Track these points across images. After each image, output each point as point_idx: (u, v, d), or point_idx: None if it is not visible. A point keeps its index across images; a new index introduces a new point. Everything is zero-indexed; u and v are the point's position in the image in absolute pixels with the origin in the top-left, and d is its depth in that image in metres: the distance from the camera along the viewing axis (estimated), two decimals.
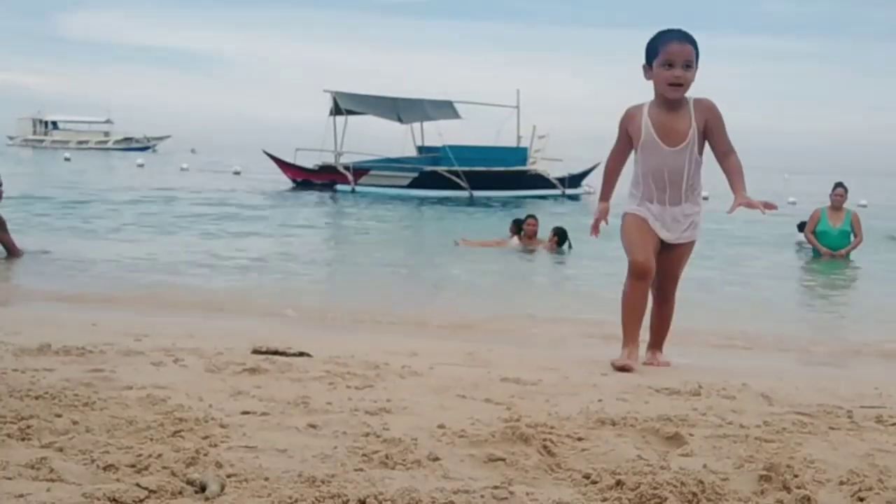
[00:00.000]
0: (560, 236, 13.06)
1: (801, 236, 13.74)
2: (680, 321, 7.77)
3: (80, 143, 74.61)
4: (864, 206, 26.70)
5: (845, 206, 12.36)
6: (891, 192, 49.62)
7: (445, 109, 31.76)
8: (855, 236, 12.23)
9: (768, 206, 4.81)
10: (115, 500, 2.46)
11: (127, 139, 77.01)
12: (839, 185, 12.30)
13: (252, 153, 49.61)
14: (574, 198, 29.82)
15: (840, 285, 10.74)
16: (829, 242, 12.13)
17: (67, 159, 45.08)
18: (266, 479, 2.70)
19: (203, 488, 2.58)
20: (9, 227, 9.82)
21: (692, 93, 5.01)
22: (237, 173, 37.09)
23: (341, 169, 29.76)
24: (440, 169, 29.20)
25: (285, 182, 31.06)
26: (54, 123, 79.68)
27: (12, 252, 9.53)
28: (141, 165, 42.55)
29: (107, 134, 78.78)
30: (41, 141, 75.28)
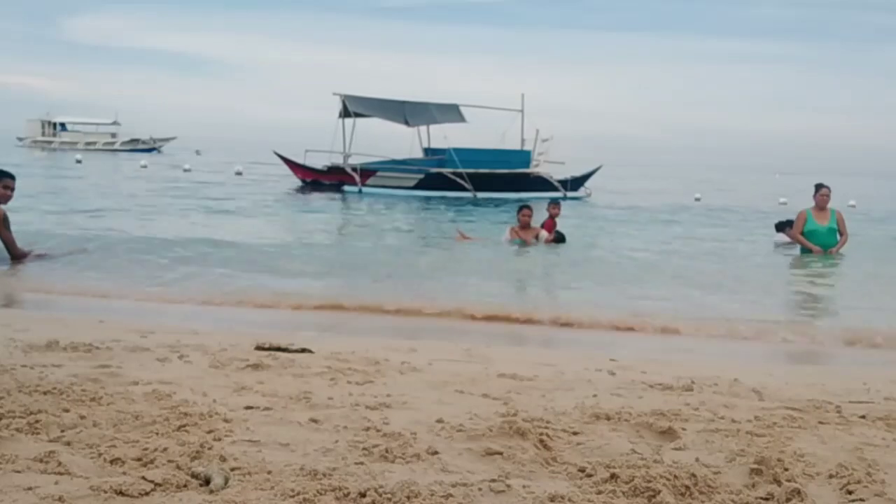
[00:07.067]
0: (559, 239, 13.29)
1: (779, 237, 13.86)
2: (675, 316, 7.88)
3: (88, 144, 74.55)
4: (853, 206, 26.66)
5: (829, 205, 12.48)
6: (888, 192, 49.43)
7: (451, 113, 31.82)
8: (841, 234, 12.38)
9: None
10: (121, 492, 2.51)
11: (133, 140, 76.90)
12: (823, 185, 12.45)
13: (255, 154, 49.59)
14: (576, 199, 29.84)
15: (832, 282, 10.80)
16: (818, 241, 12.28)
17: (79, 161, 45.33)
18: (269, 472, 2.75)
19: (207, 481, 2.64)
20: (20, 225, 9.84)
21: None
22: (238, 173, 37.17)
23: (349, 170, 29.85)
24: (445, 171, 29.31)
25: (293, 182, 31.20)
26: (62, 125, 79.59)
27: (13, 251, 9.50)
28: (144, 166, 42.64)
29: (114, 135, 78.65)
30: (49, 142, 75.31)
